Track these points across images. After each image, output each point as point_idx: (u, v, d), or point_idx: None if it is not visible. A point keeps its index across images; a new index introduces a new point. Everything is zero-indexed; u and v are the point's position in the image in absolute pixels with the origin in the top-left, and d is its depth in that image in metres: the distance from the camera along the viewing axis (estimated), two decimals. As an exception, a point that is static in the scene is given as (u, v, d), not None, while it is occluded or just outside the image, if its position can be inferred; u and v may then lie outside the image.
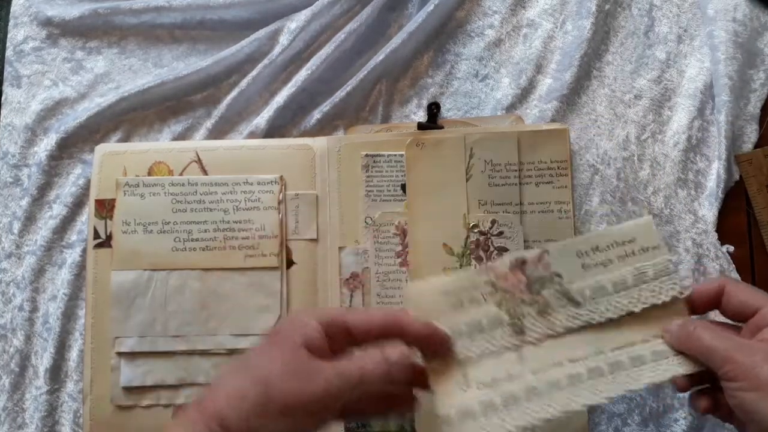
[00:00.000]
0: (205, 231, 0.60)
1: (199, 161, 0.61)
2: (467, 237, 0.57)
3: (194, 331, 0.58)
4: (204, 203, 0.60)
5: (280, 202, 0.60)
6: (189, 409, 0.38)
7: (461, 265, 0.57)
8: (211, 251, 0.59)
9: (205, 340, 0.58)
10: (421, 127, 0.61)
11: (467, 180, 0.59)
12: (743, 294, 0.43)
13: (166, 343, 0.58)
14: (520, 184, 0.59)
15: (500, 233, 0.58)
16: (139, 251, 0.59)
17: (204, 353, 0.58)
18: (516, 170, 0.58)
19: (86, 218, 0.62)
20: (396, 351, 0.39)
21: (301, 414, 0.37)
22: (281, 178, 0.60)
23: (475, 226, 0.57)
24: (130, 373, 0.58)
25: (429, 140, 0.60)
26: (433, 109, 0.63)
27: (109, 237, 0.60)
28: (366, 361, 0.39)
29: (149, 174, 0.61)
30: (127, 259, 0.59)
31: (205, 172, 0.61)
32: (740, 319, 0.42)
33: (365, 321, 0.41)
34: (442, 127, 0.61)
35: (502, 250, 0.57)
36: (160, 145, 0.63)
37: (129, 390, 0.58)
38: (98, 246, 0.59)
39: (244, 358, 0.40)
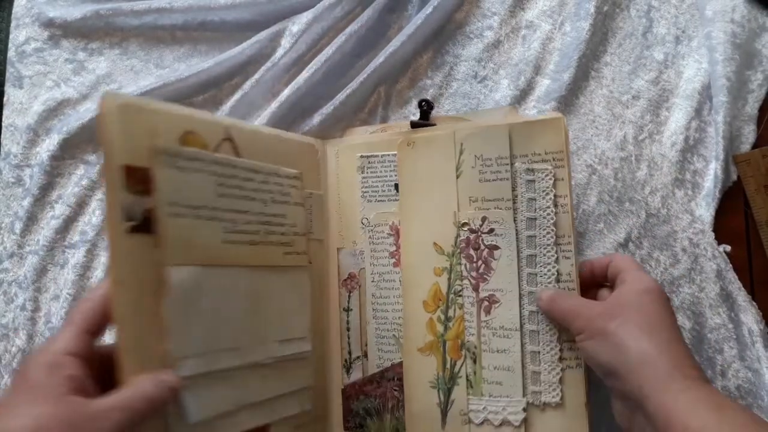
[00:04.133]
0: (248, 222, 0.48)
1: (231, 140, 0.49)
2: (457, 235, 0.55)
3: (245, 340, 0.47)
4: (245, 190, 0.48)
5: (306, 198, 0.55)
6: None
7: (451, 265, 0.54)
8: (256, 246, 0.49)
9: (256, 350, 0.48)
10: (414, 125, 0.59)
11: (458, 177, 0.55)
12: (619, 262, 0.49)
13: (225, 358, 0.45)
14: (512, 178, 0.53)
15: (491, 230, 0.54)
16: (191, 241, 0.43)
17: (255, 366, 0.47)
18: (507, 164, 0.53)
19: (88, 218, 0.61)
20: (170, 376, 0.39)
21: None
22: (301, 174, 0.54)
23: (465, 223, 0.54)
24: (196, 405, 0.42)
25: (420, 139, 0.56)
26: (424, 106, 0.60)
27: (147, 220, 0.41)
28: (147, 387, 0.37)
29: (183, 144, 0.44)
30: (181, 252, 0.43)
31: (237, 154, 0.49)
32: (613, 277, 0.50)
33: (100, 315, 0.39)
34: (434, 125, 0.59)
35: (493, 248, 0.53)
36: (188, 111, 0.46)
37: (199, 428, 0.43)
38: (134, 230, 0.40)
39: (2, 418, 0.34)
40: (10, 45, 0.66)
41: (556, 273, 0.51)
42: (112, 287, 0.38)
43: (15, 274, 0.61)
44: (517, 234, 0.52)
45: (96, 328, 0.39)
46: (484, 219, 0.54)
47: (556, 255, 0.51)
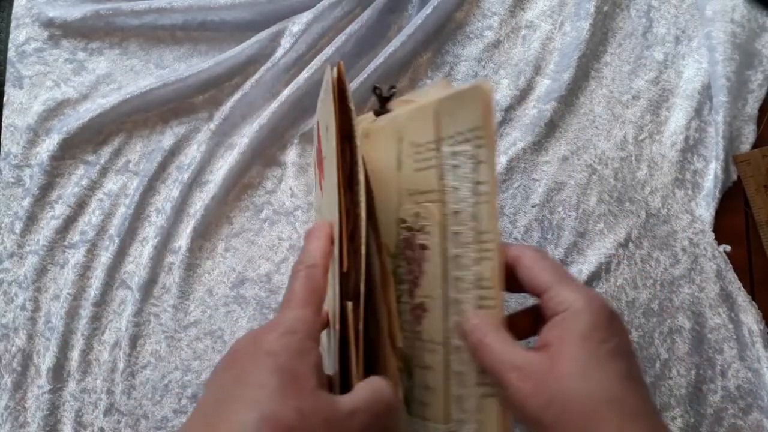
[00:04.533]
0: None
1: None
2: (398, 234, 0.47)
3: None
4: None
5: None
6: None
7: (396, 268, 0.46)
8: None
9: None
10: (376, 114, 0.50)
11: (398, 168, 0.46)
12: (533, 272, 0.39)
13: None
14: (439, 165, 0.43)
15: (422, 228, 0.44)
16: None
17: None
18: (434, 149, 0.43)
19: (88, 218, 0.61)
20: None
21: None
22: None
23: (404, 221, 0.46)
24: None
25: (373, 129, 0.48)
26: (378, 92, 0.50)
27: None
28: (383, 390, 0.36)
29: None
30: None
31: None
32: (536, 294, 0.39)
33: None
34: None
35: (424, 248, 0.44)
36: None
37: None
38: None
39: (242, 395, 0.32)
40: (10, 45, 0.65)
41: (474, 277, 0.41)
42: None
43: (15, 273, 0.60)
44: (445, 230, 0.43)
45: (322, 304, 0.37)
46: (417, 214, 0.45)
47: (476, 255, 0.41)
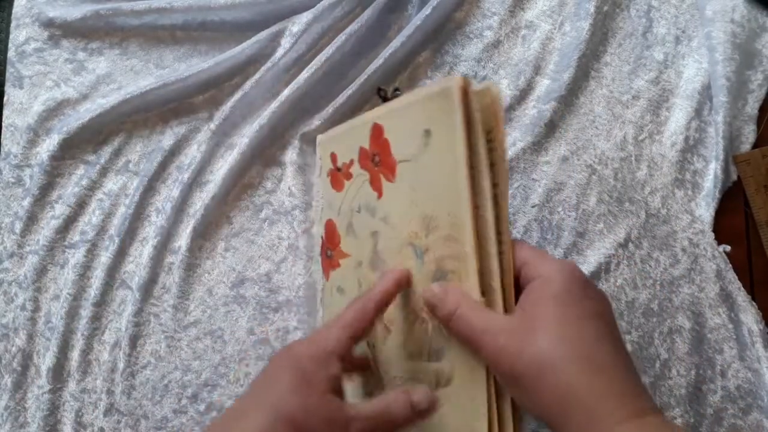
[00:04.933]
0: None
1: None
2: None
3: None
4: None
5: None
6: None
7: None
8: None
9: None
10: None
11: None
12: (514, 251, 0.41)
13: None
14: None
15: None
16: None
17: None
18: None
19: (88, 218, 0.60)
20: (423, 396, 0.39)
21: None
22: None
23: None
24: None
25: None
26: (381, 93, 0.53)
27: None
28: (393, 407, 0.38)
29: None
30: None
31: None
32: (516, 272, 0.41)
33: (369, 322, 0.41)
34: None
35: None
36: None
37: None
38: None
39: (264, 392, 0.38)
40: (10, 45, 0.64)
41: None
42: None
43: (15, 274, 0.60)
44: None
45: (362, 334, 0.41)
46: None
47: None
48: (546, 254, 0.40)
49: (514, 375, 0.36)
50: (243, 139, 0.61)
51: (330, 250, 0.54)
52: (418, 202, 0.44)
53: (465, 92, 0.40)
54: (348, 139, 0.52)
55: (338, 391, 0.38)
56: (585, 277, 0.39)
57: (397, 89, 0.50)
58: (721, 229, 0.58)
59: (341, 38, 0.61)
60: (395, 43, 0.61)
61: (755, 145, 0.59)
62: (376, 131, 0.48)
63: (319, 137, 0.58)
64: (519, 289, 0.40)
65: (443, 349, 0.43)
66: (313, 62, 0.61)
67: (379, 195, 0.48)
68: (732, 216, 0.59)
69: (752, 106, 0.60)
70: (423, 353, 0.44)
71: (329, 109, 0.61)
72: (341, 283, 0.53)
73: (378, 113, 0.48)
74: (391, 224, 0.47)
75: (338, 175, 0.53)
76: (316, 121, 0.61)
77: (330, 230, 0.54)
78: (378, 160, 0.48)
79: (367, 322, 0.41)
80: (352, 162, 0.51)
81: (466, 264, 0.41)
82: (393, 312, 0.46)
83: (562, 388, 0.34)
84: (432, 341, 0.43)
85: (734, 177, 0.59)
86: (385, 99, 0.52)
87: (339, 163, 0.53)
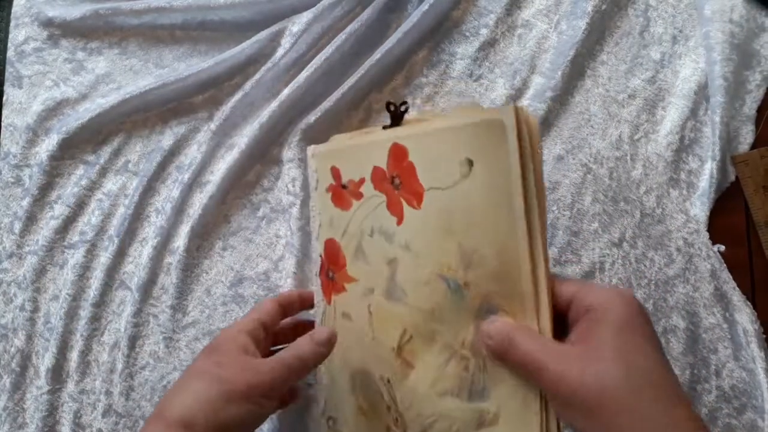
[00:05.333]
0: None
1: None
2: None
3: None
4: None
5: None
6: (150, 424, 0.38)
7: None
8: None
9: None
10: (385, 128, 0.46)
11: None
12: (556, 288, 0.38)
13: None
14: None
15: None
16: None
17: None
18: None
19: (88, 219, 0.57)
20: (323, 332, 0.43)
21: (258, 397, 0.39)
22: None
23: None
24: None
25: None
26: (391, 108, 0.45)
27: None
28: (300, 347, 0.42)
29: None
30: None
31: None
32: (562, 309, 0.38)
33: (273, 315, 0.47)
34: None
35: None
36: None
37: None
38: None
39: (191, 370, 0.41)
40: (9, 45, 0.62)
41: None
42: None
43: (14, 274, 0.57)
44: None
45: (267, 323, 0.46)
46: None
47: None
48: (593, 284, 0.40)
49: (576, 401, 0.33)
50: (243, 139, 0.59)
51: (333, 272, 0.48)
52: (453, 233, 0.40)
53: (520, 125, 0.37)
54: (358, 156, 0.46)
55: (253, 354, 0.42)
56: (640, 303, 0.36)
57: (405, 103, 0.45)
58: (721, 230, 0.56)
59: (341, 38, 0.59)
60: (392, 40, 0.59)
61: (753, 146, 0.57)
62: (398, 153, 0.43)
63: (312, 149, 0.51)
64: (569, 321, 0.37)
65: (487, 389, 0.39)
66: (312, 62, 0.59)
67: (400, 221, 0.43)
68: (732, 216, 0.56)
69: (750, 107, 0.57)
70: (461, 392, 0.40)
71: (326, 104, 0.58)
72: (347, 308, 0.47)
73: (399, 134, 0.43)
74: (414, 253, 0.42)
75: (343, 193, 0.47)
76: (312, 117, 0.58)
77: (332, 251, 0.48)
78: (399, 183, 0.43)
79: (275, 322, 0.47)
80: (362, 181, 0.46)
81: (522, 302, 0.37)
82: (417, 346, 0.42)
83: (638, 415, 0.31)
84: (473, 379, 0.40)
85: (732, 177, 0.56)
86: (394, 115, 0.45)
87: (344, 180, 0.47)
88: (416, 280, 0.42)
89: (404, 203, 0.42)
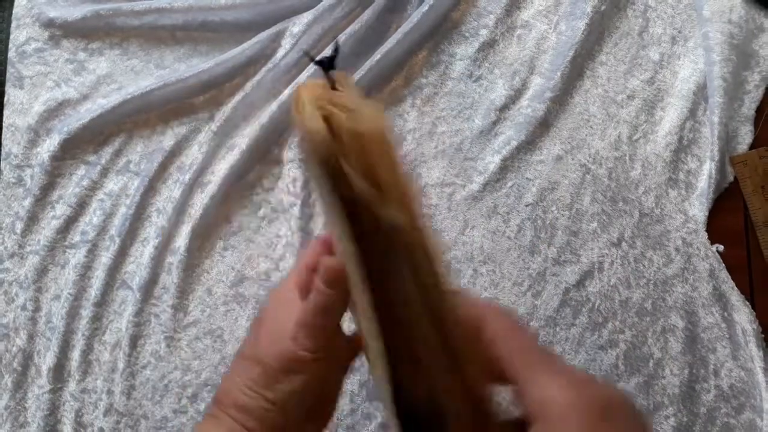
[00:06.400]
0: None
1: None
2: None
3: None
4: None
5: None
6: (211, 410, 0.35)
7: None
8: None
9: None
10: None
11: None
12: (500, 350, 0.27)
13: None
14: None
15: None
16: None
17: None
18: None
19: (89, 218, 0.56)
20: (324, 269, 0.32)
21: (297, 365, 0.33)
22: None
23: None
24: None
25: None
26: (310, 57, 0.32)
27: None
28: (310, 297, 0.33)
29: None
30: None
31: None
32: (502, 381, 0.27)
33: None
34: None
35: None
36: None
37: None
38: None
39: (240, 349, 0.37)
40: (10, 45, 0.60)
41: None
42: None
43: (16, 274, 0.56)
44: None
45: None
46: None
47: None
48: (545, 362, 0.26)
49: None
50: (244, 139, 0.57)
51: None
52: None
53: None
54: None
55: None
56: (604, 405, 0.25)
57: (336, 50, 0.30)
58: (719, 230, 0.55)
59: (341, 38, 0.58)
60: (392, 40, 0.58)
61: (752, 146, 0.55)
62: None
63: None
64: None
65: None
66: (312, 63, 0.57)
67: None
68: (731, 216, 0.55)
69: (749, 107, 0.56)
70: None
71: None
72: None
73: None
74: None
75: None
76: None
77: None
78: None
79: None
80: None
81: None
82: None
83: None
84: None
85: (731, 177, 0.55)
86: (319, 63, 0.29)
87: None
88: None
89: None
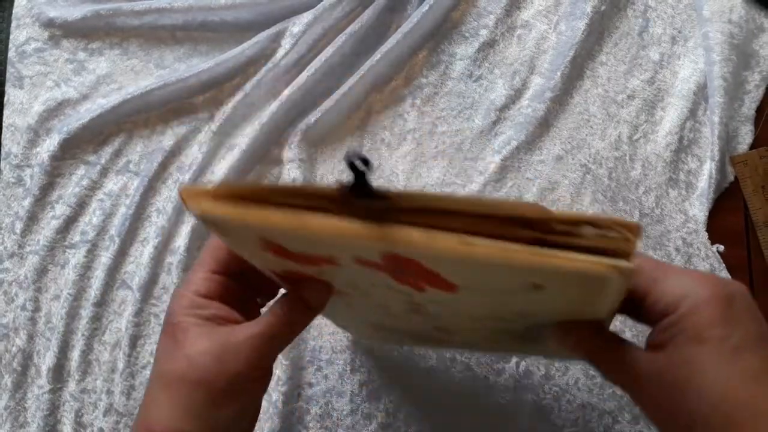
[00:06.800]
0: None
1: None
2: None
3: None
4: None
5: None
6: None
7: None
8: None
9: None
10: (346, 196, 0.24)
11: None
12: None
13: None
14: None
15: None
16: None
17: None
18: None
19: (89, 218, 0.56)
20: (314, 289, 0.32)
21: (245, 384, 0.31)
22: None
23: None
24: None
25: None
26: (355, 163, 0.23)
27: None
28: (285, 309, 0.32)
29: None
30: None
31: None
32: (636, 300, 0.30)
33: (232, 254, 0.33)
34: (384, 198, 0.23)
35: None
36: None
37: None
38: None
39: (162, 372, 0.32)
40: (10, 45, 0.60)
41: None
42: None
43: (15, 274, 0.55)
44: None
45: (225, 270, 0.34)
46: None
47: None
48: (675, 268, 0.30)
49: (667, 427, 0.29)
50: (244, 139, 0.57)
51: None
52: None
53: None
54: (310, 242, 0.26)
55: (224, 314, 0.32)
56: (728, 295, 0.28)
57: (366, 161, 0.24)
58: (719, 230, 0.55)
59: (341, 39, 0.58)
60: (392, 41, 0.57)
61: (752, 146, 0.55)
62: (404, 263, 0.26)
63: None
64: (648, 312, 0.30)
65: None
66: (313, 63, 0.58)
67: (420, 291, 0.30)
68: (731, 216, 0.55)
69: (749, 107, 0.56)
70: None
71: (326, 105, 0.57)
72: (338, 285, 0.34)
73: (396, 243, 0.24)
74: (452, 311, 0.34)
75: (297, 256, 0.29)
76: (312, 117, 0.57)
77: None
78: (412, 275, 0.28)
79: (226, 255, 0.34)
80: (333, 258, 0.28)
81: None
82: None
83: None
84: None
85: (731, 177, 0.55)
86: (358, 176, 0.24)
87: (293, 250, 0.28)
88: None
89: (427, 286, 0.29)
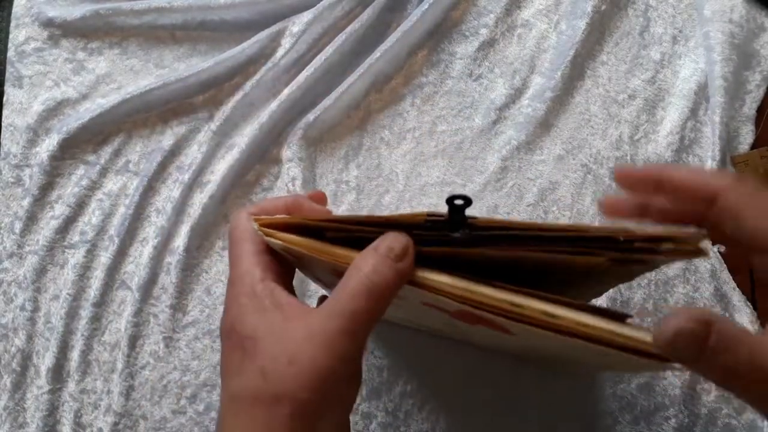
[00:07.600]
0: None
1: None
2: None
3: None
4: None
5: None
6: None
7: None
8: None
9: None
10: (426, 238, 0.27)
11: None
12: (746, 221, 0.28)
13: None
14: None
15: None
16: None
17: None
18: None
19: (88, 219, 0.56)
20: (395, 239, 0.26)
21: (338, 389, 0.26)
22: None
23: None
24: None
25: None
26: (455, 202, 0.27)
27: None
28: (365, 277, 0.26)
29: None
30: None
31: None
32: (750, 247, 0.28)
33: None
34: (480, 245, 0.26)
35: None
36: None
37: None
38: None
39: (229, 392, 0.27)
40: (9, 45, 0.60)
41: None
42: None
43: (15, 274, 0.55)
44: None
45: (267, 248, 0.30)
46: None
47: None
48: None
49: None
50: (243, 138, 0.57)
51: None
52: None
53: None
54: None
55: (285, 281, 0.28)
56: None
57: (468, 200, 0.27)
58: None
59: (341, 38, 0.57)
60: (391, 39, 0.57)
61: (753, 146, 0.55)
62: (477, 319, 0.28)
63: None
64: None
65: None
66: (313, 62, 0.57)
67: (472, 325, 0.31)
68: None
69: (750, 107, 0.56)
70: None
71: (326, 104, 0.57)
72: None
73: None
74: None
75: None
76: (312, 116, 0.57)
77: None
78: (473, 319, 0.29)
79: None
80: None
81: None
82: None
83: None
84: None
85: (731, 178, 0.54)
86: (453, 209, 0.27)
87: None
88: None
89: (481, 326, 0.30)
